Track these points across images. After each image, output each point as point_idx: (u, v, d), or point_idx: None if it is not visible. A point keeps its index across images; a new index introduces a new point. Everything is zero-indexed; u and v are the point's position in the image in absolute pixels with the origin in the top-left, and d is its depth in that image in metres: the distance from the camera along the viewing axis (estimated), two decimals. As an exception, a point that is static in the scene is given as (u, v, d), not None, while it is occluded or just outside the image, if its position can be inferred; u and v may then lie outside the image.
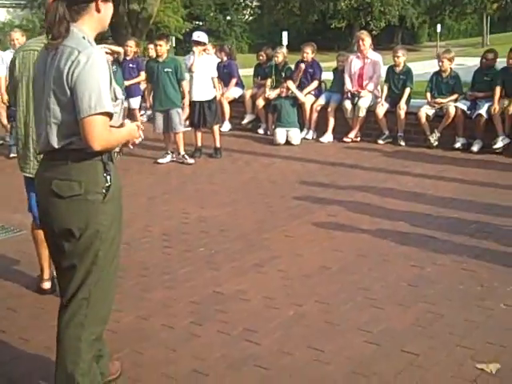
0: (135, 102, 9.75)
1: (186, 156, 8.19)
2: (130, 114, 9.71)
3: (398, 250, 5.07)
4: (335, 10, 39.46)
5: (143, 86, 10.00)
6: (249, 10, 47.38)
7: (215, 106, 8.57)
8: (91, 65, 2.58)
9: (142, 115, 10.73)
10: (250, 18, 46.80)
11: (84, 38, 2.68)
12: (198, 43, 8.53)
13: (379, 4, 39.77)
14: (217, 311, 4.06)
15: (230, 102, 10.45)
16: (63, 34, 2.63)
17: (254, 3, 45.92)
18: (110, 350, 3.44)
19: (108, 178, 2.74)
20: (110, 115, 2.65)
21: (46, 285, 4.36)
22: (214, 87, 8.64)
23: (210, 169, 7.98)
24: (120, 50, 8.95)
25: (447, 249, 5.02)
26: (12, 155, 8.44)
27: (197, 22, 44.02)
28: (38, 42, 4.01)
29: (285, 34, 30.56)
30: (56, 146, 2.67)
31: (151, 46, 10.76)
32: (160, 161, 8.23)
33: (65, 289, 2.86)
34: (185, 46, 37.21)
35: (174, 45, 32.91)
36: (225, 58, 10.72)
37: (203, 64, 8.47)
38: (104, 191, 2.72)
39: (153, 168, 8.07)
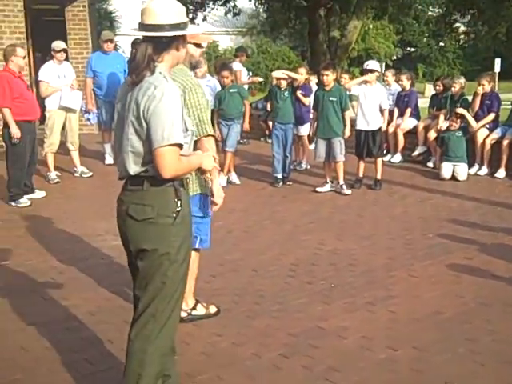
0: (304, 129, 9.95)
1: (344, 186, 8.22)
2: (299, 141, 9.93)
3: (528, 301, 4.73)
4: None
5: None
6: (463, 36, 46.01)
7: (380, 138, 8.52)
8: (165, 99, 2.82)
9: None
10: (465, 44, 45.41)
11: (160, 73, 2.93)
12: (370, 71, 8.54)
13: None
14: (309, 346, 4.10)
15: (405, 134, 10.29)
16: (149, 73, 2.89)
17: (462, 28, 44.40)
18: (196, 371, 3.67)
19: (179, 202, 2.97)
20: (180, 146, 2.88)
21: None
22: (382, 117, 8.60)
23: (363, 200, 7.94)
24: (298, 77, 9.18)
25: None
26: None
27: (408, 48, 43.65)
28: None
29: (497, 61, 29.15)
30: (132, 173, 2.94)
31: (345, 76, 10.99)
32: (318, 189, 8.34)
33: (137, 304, 3.11)
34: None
35: (383, 71, 32.92)
36: (407, 87, 10.56)
37: (373, 93, 8.47)
38: (174, 215, 2.95)
39: (310, 196, 8.20)
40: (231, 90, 8.79)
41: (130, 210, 2.96)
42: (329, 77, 8.20)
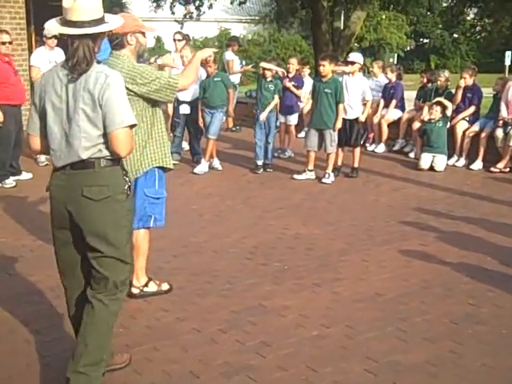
0: (293, 118, 10.15)
1: (329, 175, 8.36)
2: (286, 130, 10.12)
3: (467, 286, 4.92)
4: None
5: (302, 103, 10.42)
6: (477, 28, 45.73)
7: (358, 127, 8.68)
8: (117, 86, 3.14)
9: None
10: (477, 36, 45.13)
11: (99, 62, 3.25)
12: (351, 63, 8.71)
13: None
14: (248, 322, 4.31)
15: (389, 124, 10.45)
16: (91, 65, 3.14)
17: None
18: (136, 343, 3.92)
19: (127, 179, 3.30)
20: (133, 127, 3.20)
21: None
22: (364, 108, 8.75)
23: (338, 188, 8.13)
24: (281, 70, 9.45)
25: (521, 292, 4.78)
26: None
27: (421, 39, 43.51)
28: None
29: (508, 54, 29.06)
30: (84, 157, 3.15)
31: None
32: (296, 177, 8.54)
33: (87, 279, 3.39)
34: (407, 63, 37.06)
35: (395, 62, 32.83)
36: (393, 79, 10.71)
37: (354, 83, 8.62)
38: (126, 191, 3.27)
39: (287, 183, 8.40)
40: (215, 79, 9.00)
41: (85, 191, 3.15)
42: (325, 67, 8.28)
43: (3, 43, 8.06)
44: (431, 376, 3.62)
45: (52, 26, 3.17)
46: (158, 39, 34.10)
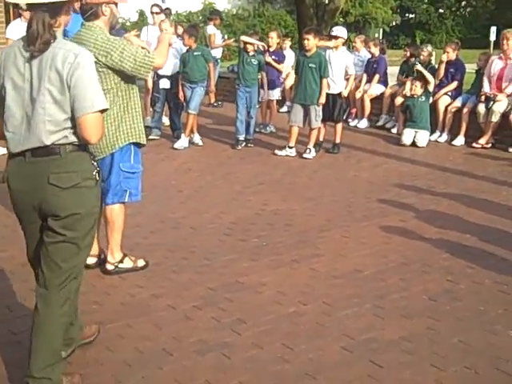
0: (275, 93, 10.05)
1: (310, 151, 8.28)
2: (268, 105, 10.02)
3: (446, 262, 4.89)
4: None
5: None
6: (463, 3, 45.51)
7: (340, 102, 8.59)
8: (88, 66, 2.87)
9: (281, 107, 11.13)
10: (464, 11, 44.93)
11: (64, 38, 3.01)
12: (334, 37, 8.59)
13: None
14: (224, 299, 4.25)
15: (372, 100, 10.36)
16: (52, 40, 2.85)
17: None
18: (109, 320, 3.85)
19: (95, 163, 3.05)
20: (104, 111, 2.94)
21: (88, 260, 4.74)
22: (347, 82, 8.65)
23: (319, 164, 8.06)
24: (262, 44, 9.34)
25: (499, 268, 4.75)
26: (151, 137, 9.16)
27: (406, 14, 43.25)
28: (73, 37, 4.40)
29: (493, 30, 28.90)
30: (48, 143, 2.87)
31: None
32: (277, 152, 8.45)
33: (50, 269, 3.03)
34: (392, 38, 36.88)
35: (381, 37, 32.65)
36: (376, 54, 10.61)
37: (337, 58, 8.51)
38: (96, 177, 3.02)
39: (267, 159, 8.32)
40: (195, 53, 8.86)
41: (52, 179, 2.88)
42: (310, 41, 8.15)
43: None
44: (407, 353, 3.58)
45: None
46: (141, 13, 33.60)
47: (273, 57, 10.19)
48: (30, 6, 2.85)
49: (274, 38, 10.22)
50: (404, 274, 4.66)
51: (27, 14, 8.90)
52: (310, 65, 8.18)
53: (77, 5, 4.33)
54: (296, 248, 5.18)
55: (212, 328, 3.87)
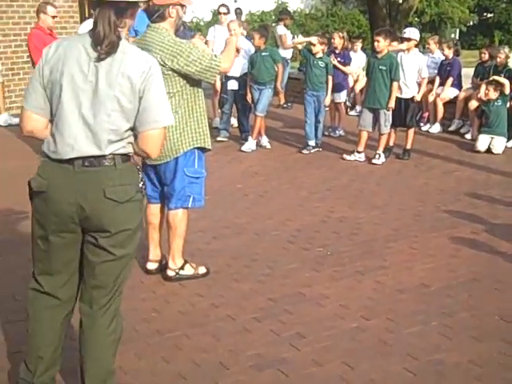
0: (342, 95, 9.86)
1: (379, 156, 8.07)
2: (336, 108, 9.84)
3: (520, 280, 4.64)
4: None
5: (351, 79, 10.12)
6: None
7: (413, 107, 8.34)
8: (160, 77, 2.77)
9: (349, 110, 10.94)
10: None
11: (128, 42, 2.87)
12: (407, 40, 8.36)
13: None
14: (284, 311, 4.14)
15: (445, 103, 10.04)
16: (117, 41, 2.68)
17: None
18: (167, 328, 3.81)
19: (140, 175, 2.88)
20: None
21: (149, 265, 4.75)
22: (419, 87, 8.40)
23: (388, 170, 7.84)
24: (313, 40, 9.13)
25: None
26: (219, 139, 9.15)
27: (484, 14, 42.07)
28: (138, 40, 4.37)
29: None
30: (107, 152, 2.70)
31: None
32: (345, 157, 8.28)
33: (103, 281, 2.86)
34: (469, 39, 35.94)
35: (457, 37, 31.90)
36: (450, 56, 10.28)
37: (410, 61, 8.27)
38: (143, 189, 2.89)
39: (335, 163, 8.15)
40: (263, 54, 8.78)
41: (109, 192, 2.68)
42: (380, 43, 7.95)
43: (53, 17, 8.00)
44: (476, 379, 3.38)
45: None
46: (215, 13, 33.82)
47: (338, 58, 9.99)
48: (96, 4, 2.70)
49: (336, 39, 10.01)
50: (474, 291, 4.44)
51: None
52: (380, 67, 7.97)
53: (143, 6, 4.30)
54: (361, 258, 5.03)
55: (270, 342, 3.76)
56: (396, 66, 7.92)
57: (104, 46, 2.65)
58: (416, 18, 32.44)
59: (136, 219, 2.84)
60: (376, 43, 8.02)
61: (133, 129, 2.76)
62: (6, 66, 11.02)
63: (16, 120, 9.08)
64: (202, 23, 24.74)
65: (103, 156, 2.70)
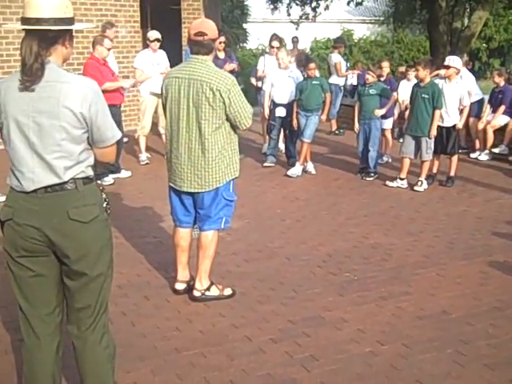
0: (387, 122, 9.87)
1: (422, 183, 8.09)
2: (383, 135, 9.86)
3: (545, 310, 4.59)
4: None
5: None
6: None
7: (455, 134, 8.32)
8: (101, 97, 2.84)
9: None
10: None
11: (58, 67, 2.80)
12: (446, 67, 8.37)
13: None
14: (302, 334, 4.23)
15: (495, 131, 9.94)
16: (40, 71, 2.70)
17: None
18: (185, 347, 3.95)
19: (104, 195, 2.98)
20: None
21: (178, 286, 4.91)
22: (461, 115, 8.39)
23: (429, 197, 7.83)
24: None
25: None
26: (266, 164, 9.33)
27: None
28: (179, 69, 4.58)
29: None
30: (66, 179, 2.77)
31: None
32: (388, 183, 8.31)
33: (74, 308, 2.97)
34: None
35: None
36: (501, 84, 10.21)
37: (450, 89, 8.27)
38: (107, 208, 2.96)
39: (377, 190, 8.18)
40: (313, 82, 8.94)
41: (73, 214, 2.77)
42: (419, 72, 8.07)
43: (108, 49, 8.37)
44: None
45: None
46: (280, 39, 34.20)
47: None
48: (28, 32, 2.72)
49: (385, 68, 10.04)
50: (495, 320, 4.43)
51: (154, 45, 9.45)
52: (423, 95, 8.02)
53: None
54: (387, 284, 5.07)
55: (283, 363, 3.86)
56: (438, 95, 7.94)
57: (28, 73, 2.68)
58: (484, 44, 32.10)
59: (103, 238, 2.91)
60: (415, 72, 8.08)
61: (88, 148, 2.86)
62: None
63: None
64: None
65: (64, 182, 2.78)
